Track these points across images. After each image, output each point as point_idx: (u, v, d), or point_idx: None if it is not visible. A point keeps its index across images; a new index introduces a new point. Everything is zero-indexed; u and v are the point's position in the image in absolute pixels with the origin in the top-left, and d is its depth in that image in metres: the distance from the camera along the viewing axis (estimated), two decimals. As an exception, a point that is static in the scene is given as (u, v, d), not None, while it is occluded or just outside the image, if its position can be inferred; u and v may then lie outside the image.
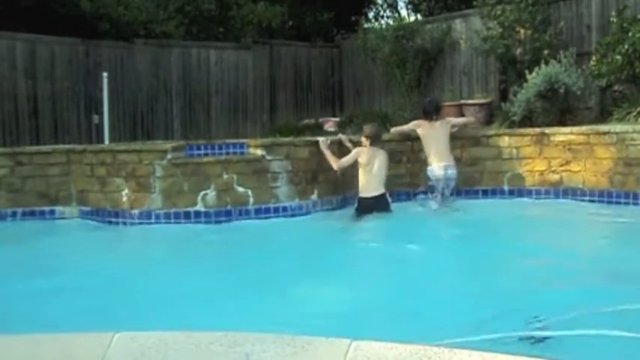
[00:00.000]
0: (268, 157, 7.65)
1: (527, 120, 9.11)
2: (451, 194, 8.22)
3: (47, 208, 7.94)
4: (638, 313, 3.68)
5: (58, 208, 7.95)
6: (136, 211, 7.43)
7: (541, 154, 8.25)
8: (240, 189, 7.49)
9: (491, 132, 8.91)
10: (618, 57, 8.66)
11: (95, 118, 10.96)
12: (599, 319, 3.56)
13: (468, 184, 8.49)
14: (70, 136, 10.84)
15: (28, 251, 6.34)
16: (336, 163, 7.74)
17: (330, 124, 12.06)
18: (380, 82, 12.67)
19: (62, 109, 11.09)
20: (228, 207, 7.41)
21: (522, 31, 9.88)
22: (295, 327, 2.63)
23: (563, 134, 8.15)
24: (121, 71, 11.62)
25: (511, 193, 8.38)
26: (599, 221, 7.09)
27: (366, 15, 15.92)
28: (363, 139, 7.88)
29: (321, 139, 8.09)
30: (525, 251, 5.64)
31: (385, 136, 8.45)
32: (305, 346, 2.02)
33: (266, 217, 7.50)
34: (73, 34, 11.17)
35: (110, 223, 7.54)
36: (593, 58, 9.13)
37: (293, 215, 7.62)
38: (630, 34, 8.66)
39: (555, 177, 8.18)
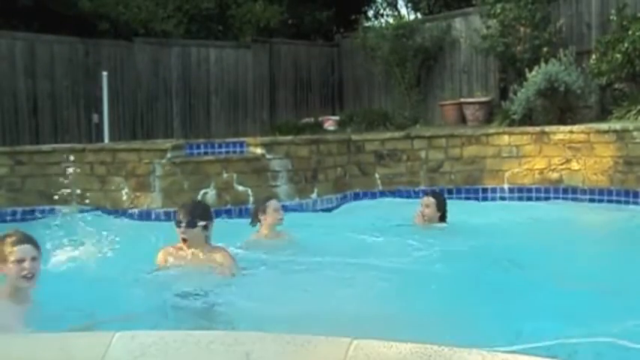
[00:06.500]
0: (268, 156, 7.66)
1: (527, 118, 9.11)
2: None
3: (47, 207, 7.93)
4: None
5: (58, 207, 7.93)
6: (135, 210, 7.43)
7: (541, 152, 8.24)
8: (240, 188, 7.49)
9: (491, 130, 8.91)
10: (618, 55, 8.66)
11: (95, 117, 10.96)
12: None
13: (468, 183, 8.49)
14: (70, 135, 10.83)
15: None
16: None
17: (329, 123, 12.06)
18: (380, 80, 12.66)
19: (62, 108, 11.08)
20: (228, 206, 7.42)
21: (522, 29, 9.88)
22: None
23: (563, 133, 8.14)
24: (121, 70, 11.61)
25: (511, 191, 8.38)
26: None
27: (365, 13, 15.90)
28: None
29: None
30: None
31: (386, 134, 8.41)
32: (305, 345, 2.02)
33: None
34: (72, 33, 11.17)
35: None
36: (593, 56, 9.14)
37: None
38: (630, 32, 8.66)
39: (555, 175, 8.17)
